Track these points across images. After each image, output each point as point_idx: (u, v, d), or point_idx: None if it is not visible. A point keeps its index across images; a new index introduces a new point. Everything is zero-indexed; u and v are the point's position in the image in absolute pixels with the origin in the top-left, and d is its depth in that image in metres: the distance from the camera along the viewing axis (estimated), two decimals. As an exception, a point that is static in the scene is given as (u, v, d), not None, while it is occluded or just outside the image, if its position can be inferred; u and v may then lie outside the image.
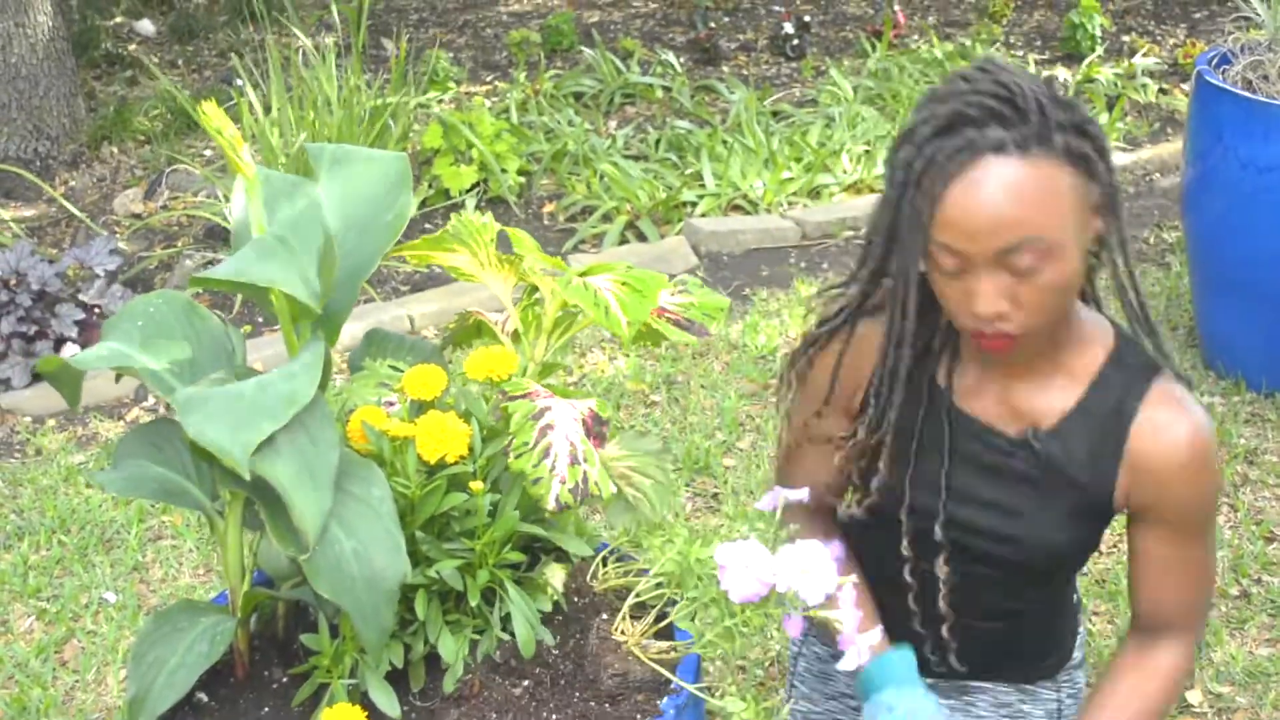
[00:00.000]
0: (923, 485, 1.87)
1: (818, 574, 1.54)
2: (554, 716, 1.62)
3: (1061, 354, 1.81)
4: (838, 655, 2.06)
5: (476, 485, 1.58)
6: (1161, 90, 6.50)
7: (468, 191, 5.46)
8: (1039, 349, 1.78)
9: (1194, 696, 2.94)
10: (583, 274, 1.74)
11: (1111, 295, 1.82)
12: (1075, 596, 2.11)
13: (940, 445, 1.86)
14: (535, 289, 1.83)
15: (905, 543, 1.89)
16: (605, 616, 1.74)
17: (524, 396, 1.63)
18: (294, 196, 1.68)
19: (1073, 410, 1.81)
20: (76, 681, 3.07)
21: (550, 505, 1.58)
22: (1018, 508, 1.84)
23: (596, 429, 1.65)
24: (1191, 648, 1.91)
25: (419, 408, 1.67)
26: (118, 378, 1.61)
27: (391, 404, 1.73)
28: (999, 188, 1.61)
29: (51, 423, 4.18)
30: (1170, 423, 1.78)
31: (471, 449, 1.62)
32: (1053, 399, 1.82)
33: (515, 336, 1.88)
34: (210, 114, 1.53)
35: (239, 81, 5.55)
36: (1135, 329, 1.82)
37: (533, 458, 1.58)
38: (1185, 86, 6.41)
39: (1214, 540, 1.90)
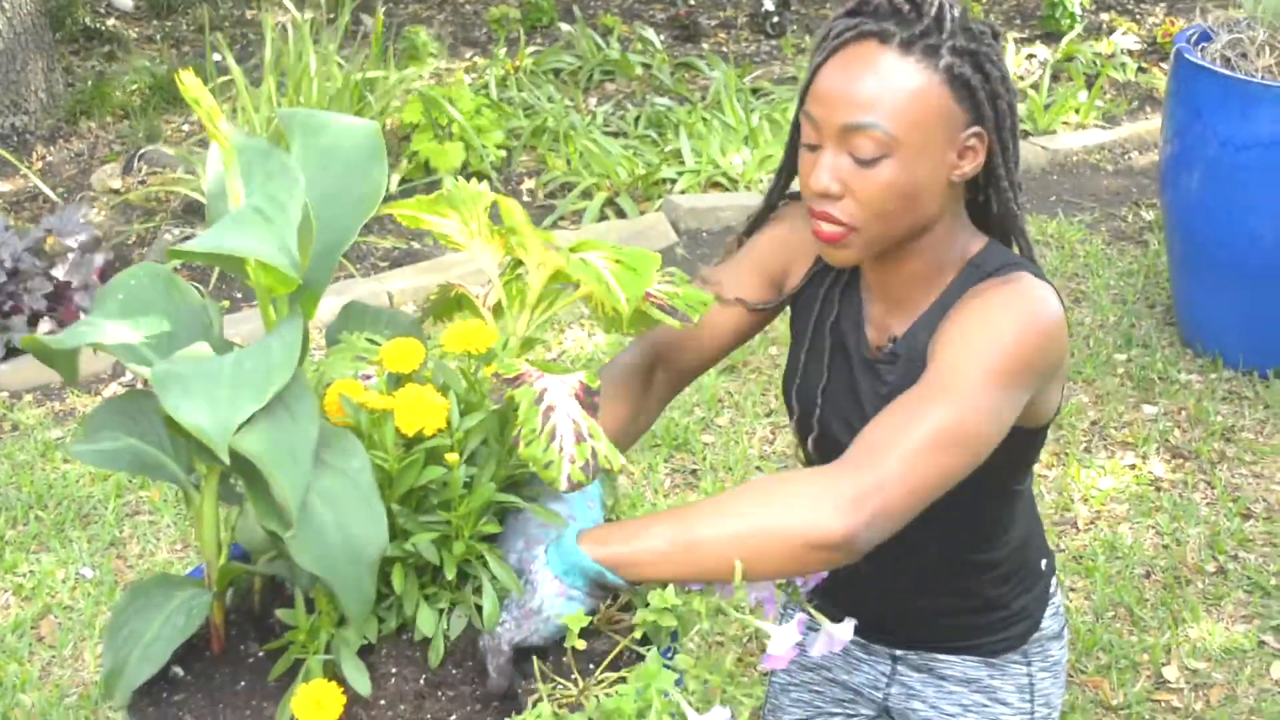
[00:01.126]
0: (804, 397, 1.92)
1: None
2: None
3: (935, 277, 1.81)
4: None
5: (452, 458, 1.58)
6: (1140, 69, 6.51)
7: (455, 174, 5.45)
8: (906, 270, 1.80)
9: (1170, 672, 2.95)
10: (574, 249, 1.73)
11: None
12: (1043, 561, 2.06)
13: (834, 317, 1.90)
14: (519, 263, 1.82)
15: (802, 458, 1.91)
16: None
17: (519, 378, 1.62)
18: (269, 167, 1.66)
19: (927, 309, 1.81)
20: (53, 657, 3.06)
21: (563, 487, 1.56)
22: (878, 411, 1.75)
23: (589, 401, 1.64)
24: (846, 490, 1.53)
25: (396, 381, 1.66)
26: (95, 350, 1.59)
27: (369, 377, 1.72)
28: (864, 68, 1.68)
29: (29, 398, 4.17)
30: (999, 282, 1.74)
31: (449, 422, 1.61)
32: (915, 306, 1.83)
33: (497, 310, 1.87)
34: (189, 84, 1.51)
35: (218, 57, 5.53)
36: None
37: (541, 442, 1.57)
38: (1164, 65, 6.42)
39: (972, 411, 1.61)
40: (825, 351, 1.92)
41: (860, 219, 1.71)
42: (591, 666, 1.59)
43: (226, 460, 1.36)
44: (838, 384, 1.92)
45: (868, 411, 1.83)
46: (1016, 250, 1.85)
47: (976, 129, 1.72)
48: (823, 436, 1.93)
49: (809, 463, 1.96)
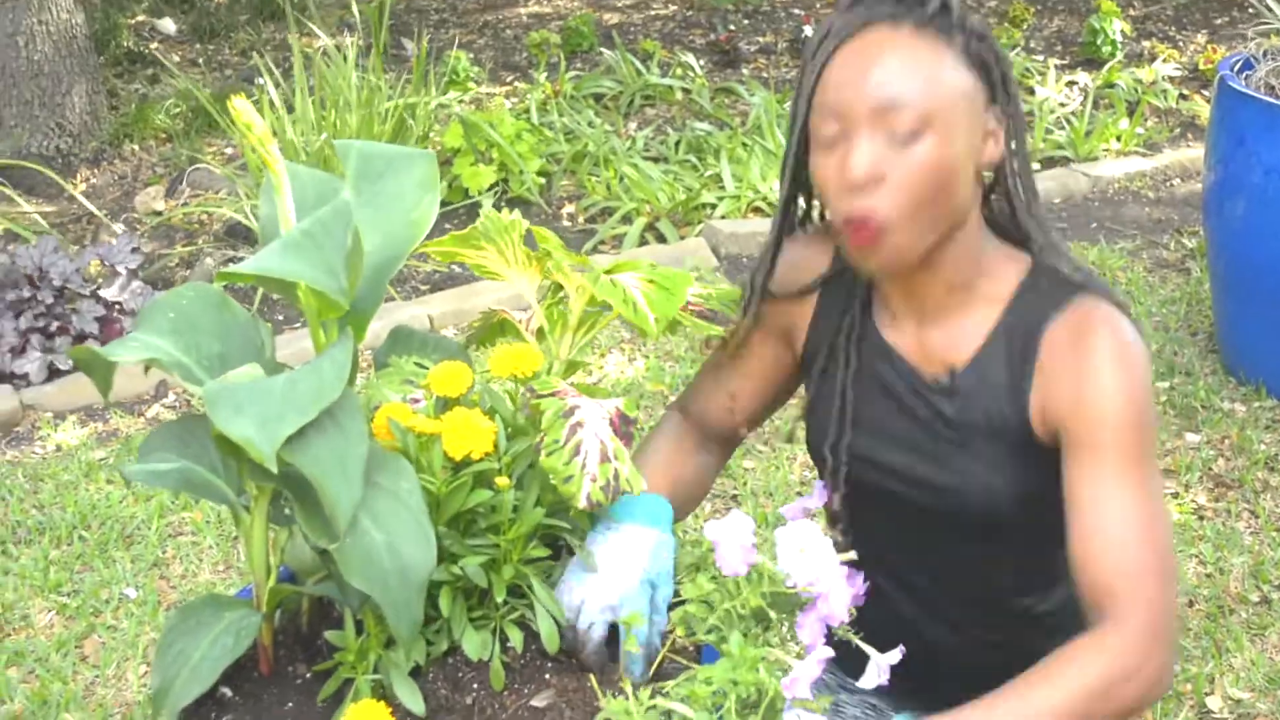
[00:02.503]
0: (827, 408, 1.85)
1: (814, 553, 1.54)
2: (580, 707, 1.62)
3: (974, 284, 1.74)
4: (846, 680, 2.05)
5: (503, 481, 1.58)
6: (1182, 95, 6.49)
7: (487, 191, 5.47)
8: (938, 281, 1.72)
9: (1214, 702, 2.93)
10: (609, 271, 1.74)
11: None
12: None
13: (855, 368, 1.82)
14: (560, 287, 1.84)
15: (824, 482, 1.86)
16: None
17: (553, 394, 1.63)
18: (322, 194, 1.68)
19: (988, 339, 1.73)
20: (96, 676, 3.08)
21: (582, 503, 1.57)
22: (934, 449, 1.77)
23: (624, 428, 1.65)
24: (1138, 635, 1.55)
25: (444, 404, 1.67)
26: (146, 369, 1.61)
27: (417, 401, 1.73)
28: (883, 49, 1.60)
29: (72, 418, 4.20)
30: (1077, 329, 1.67)
31: (496, 446, 1.62)
32: (967, 332, 1.75)
33: (539, 334, 1.88)
34: (240, 110, 1.53)
35: (260, 80, 5.56)
36: (1044, 258, 1.74)
37: (563, 455, 1.58)
38: (1205, 92, 6.40)
39: (1157, 489, 1.64)
40: (846, 375, 1.83)
41: (899, 211, 1.60)
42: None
43: (275, 469, 1.37)
44: (865, 410, 1.83)
45: (914, 437, 1.78)
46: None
47: (995, 109, 1.67)
48: (857, 482, 1.85)
49: (834, 521, 1.89)
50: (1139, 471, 1.62)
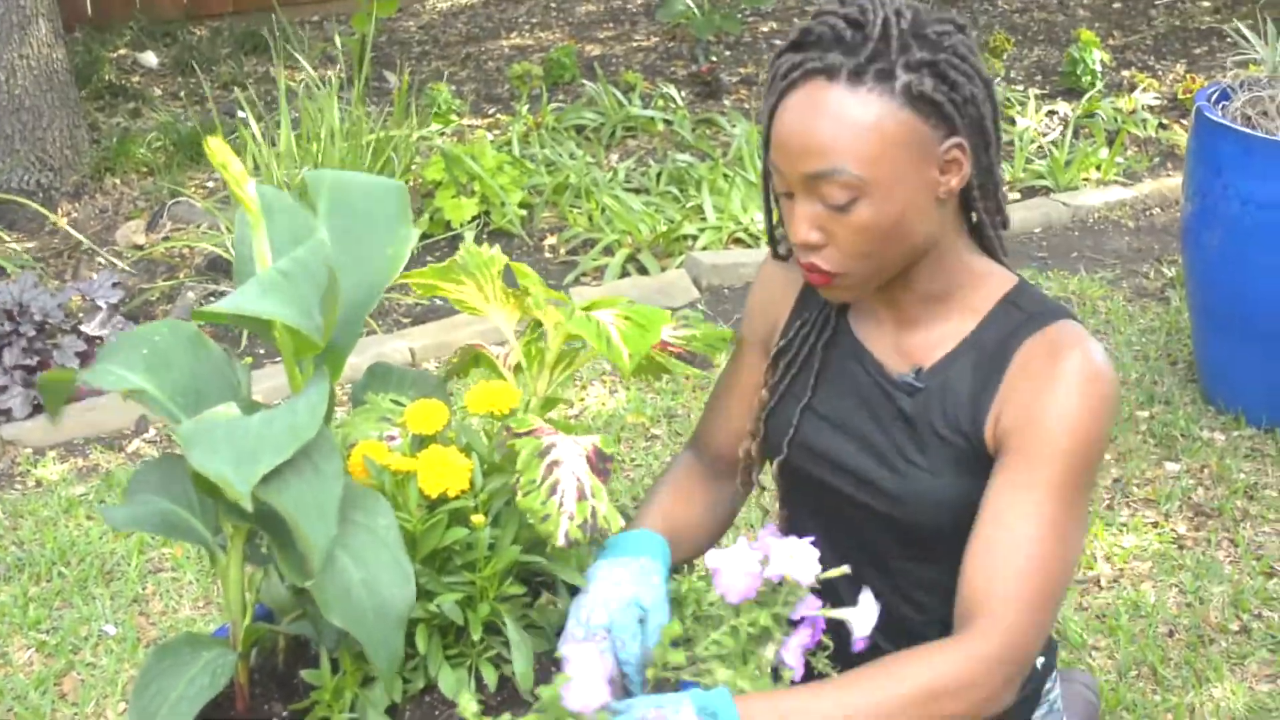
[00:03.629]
0: (780, 419, 1.88)
1: (803, 560, 1.55)
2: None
3: (952, 295, 1.76)
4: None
5: (478, 519, 1.59)
6: (1161, 125, 6.52)
7: (469, 223, 5.48)
8: (914, 288, 1.75)
9: (1194, 732, 2.94)
10: (586, 308, 1.75)
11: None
12: (1040, 660, 1.95)
13: (827, 369, 1.85)
14: (539, 324, 1.84)
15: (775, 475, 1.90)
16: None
17: (529, 433, 1.64)
18: (296, 230, 1.68)
19: (959, 345, 1.76)
20: (75, 714, 3.06)
21: (560, 542, 1.57)
22: (890, 451, 1.78)
23: (600, 465, 1.66)
24: (986, 655, 1.55)
25: (420, 442, 1.67)
26: (127, 397, 1.60)
27: (393, 438, 1.73)
28: (814, 113, 1.60)
29: (52, 454, 4.19)
30: (1053, 350, 1.68)
31: (472, 483, 1.62)
32: (942, 337, 1.77)
33: (517, 370, 1.89)
34: (216, 149, 1.53)
35: (242, 114, 5.57)
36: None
37: (540, 494, 1.58)
38: (1185, 121, 6.43)
39: (1075, 522, 1.63)
40: (813, 372, 1.86)
41: (845, 264, 1.66)
42: None
43: (250, 508, 1.37)
44: (828, 405, 1.85)
45: (871, 435, 1.80)
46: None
47: (955, 140, 1.64)
48: (795, 461, 1.88)
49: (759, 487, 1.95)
50: (1062, 499, 1.62)
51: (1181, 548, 3.58)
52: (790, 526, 1.94)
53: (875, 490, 1.80)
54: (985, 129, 1.68)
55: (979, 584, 1.60)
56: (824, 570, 1.57)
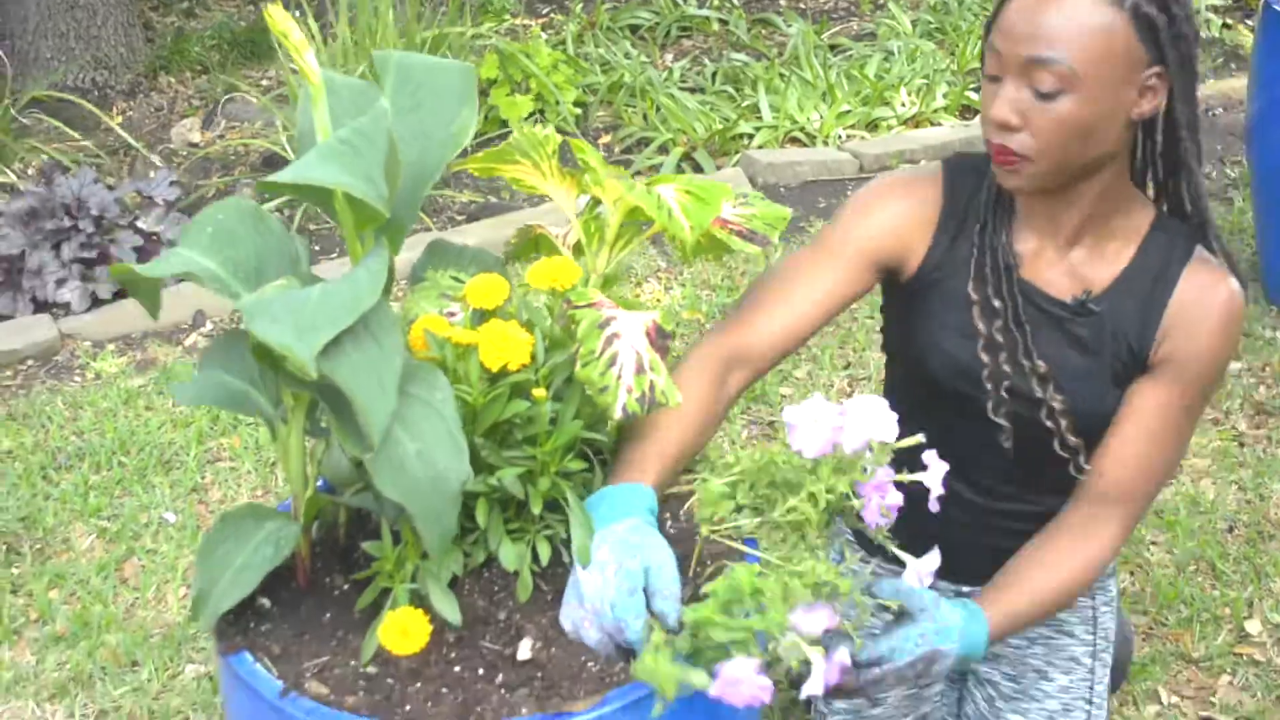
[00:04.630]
0: (990, 349, 1.91)
1: (884, 422, 1.54)
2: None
3: (1111, 219, 1.87)
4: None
5: (539, 392, 1.58)
6: (1225, 25, 6.41)
7: (524, 121, 5.46)
8: (1076, 209, 1.85)
9: (1253, 626, 2.92)
10: (649, 184, 1.73)
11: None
12: None
13: (1005, 310, 1.90)
14: (597, 202, 1.83)
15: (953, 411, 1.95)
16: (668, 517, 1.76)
17: (589, 306, 1.63)
18: (359, 104, 1.67)
19: (1123, 271, 1.87)
20: (136, 599, 3.10)
21: (617, 414, 1.57)
22: (1071, 374, 1.88)
23: (660, 341, 1.64)
24: (1128, 534, 1.89)
25: (481, 317, 1.66)
26: (182, 279, 1.60)
27: (454, 314, 1.72)
28: (1051, 4, 1.70)
29: (111, 347, 4.21)
30: (1211, 283, 1.85)
31: (534, 357, 1.61)
32: (1105, 263, 1.88)
33: (577, 249, 1.87)
34: (276, 18, 1.52)
35: (298, 13, 5.55)
36: (1190, 213, 1.91)
37: (599, 366, 1.57)
38: (1249, 22, 6.32)
39: (1195, 424, 1.91)
40: (1008, 303, 1.90)
41: (1035, 151, 1.74)
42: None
43: (314, 374, 1.36)
44: (1011, 337, 1.91)
45: (1056, 363, 1.88)
46: (1189, 206, 1.91)
47: (1158, 69, 1.74)
48: (1012, 390, 1.92)
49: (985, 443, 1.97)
50: (1193, 417, 1.88)
51: (1242, 445, 3.56)
52: (904, 418, 1.95)
53: (1051, 408, 1.90)
54: (1189, 67, 1.79)
55: (1123, 479, 1.85)
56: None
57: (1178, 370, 1.85)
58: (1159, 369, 1.86)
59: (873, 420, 1.53)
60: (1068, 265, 1.89)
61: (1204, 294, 1.84)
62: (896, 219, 1.94)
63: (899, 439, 1.57)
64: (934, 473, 1.60)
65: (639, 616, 1.48)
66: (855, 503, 1.55)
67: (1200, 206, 1.90)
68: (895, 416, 1.54)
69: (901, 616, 1.66)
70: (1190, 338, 1.84)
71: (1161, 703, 2.75)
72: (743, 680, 1.41)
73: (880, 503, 1.56)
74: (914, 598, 1.65)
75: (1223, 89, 5.85)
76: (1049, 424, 1.89)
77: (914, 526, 1.67)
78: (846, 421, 1.53)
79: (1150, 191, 1.94)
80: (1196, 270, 1.86)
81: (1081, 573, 1.83)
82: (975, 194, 1.92)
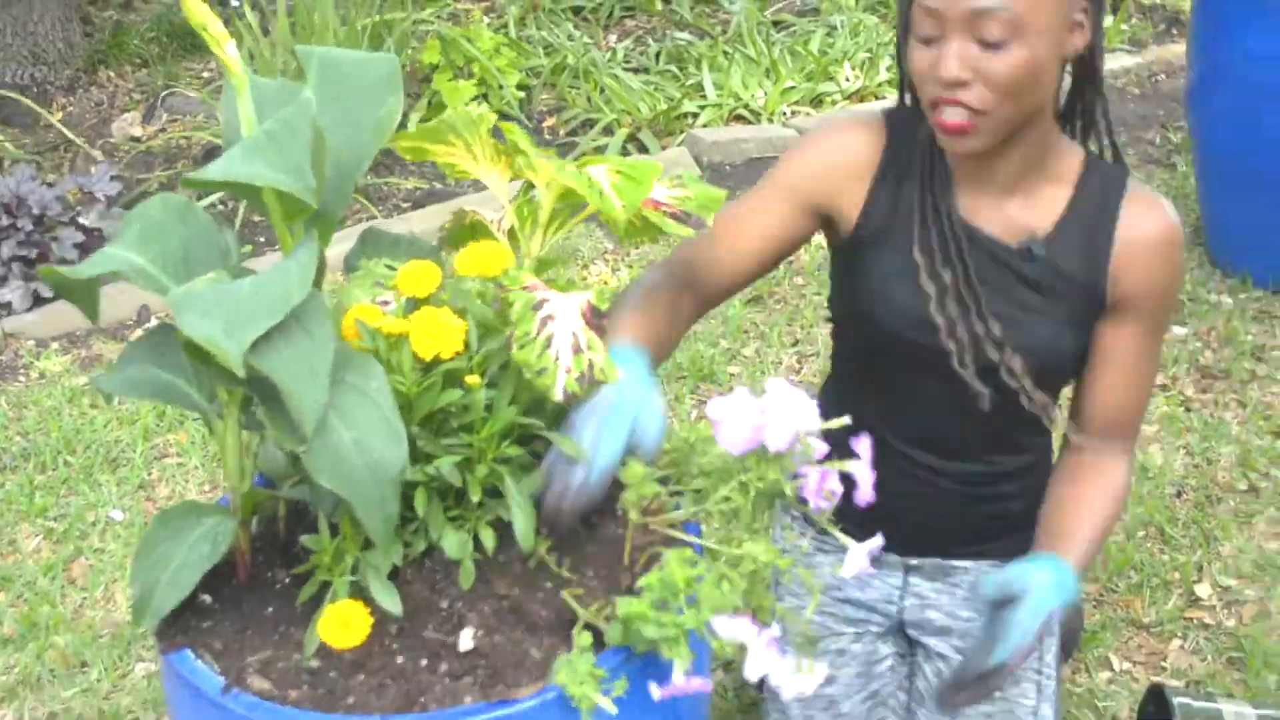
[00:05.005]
0: (942, 309, 1.90)
1: (805, 411, 1.53)
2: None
3: (1045, 162, 1.88)
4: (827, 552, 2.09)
5: (473, 380, 1.57)
6: (1166, -9, 6.44)
7: (467, 105, 5.43)
8: (1015, 156, 1.85)
9: (1202, 590, 2.94)
10: (580, 165, 1.72)
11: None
12: None
13: (950, 259, 1.90)
14: (531, 186, 1.82)
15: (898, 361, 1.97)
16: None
17: (522, 289, 1.62)
18: (283, 101, 1.65)
19: (1064, 213, 1.89)
20: (85, 599, 3.08)
21: (558, 396, 1.56)
22: (1024, 317, 1.89)
23: (596, 321, 1.64)
24: (1134, 457, 2.02)
25: (413, 305, 1.65)
26: (106, 278, 1.59)
27: (387, 303, 1.71)
28: None
29: (55, 346, 4.18)
30: (1150, 211, 1.89)
31: (468, 345, 1.60)
32: (1044, 207, 1.90)
33: (511, 234, 1.86)
34: (194, 9, 1.50)
35: (236, 2, 5.51)
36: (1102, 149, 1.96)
37: (536, 348, 1.56)
38: (1190, -14, 6.35)
39: (1161, 343, 2.00)
40: (953, 250, 1.91)
41: (992, 103, 1.74)
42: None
43: (241, 373, 1.35)
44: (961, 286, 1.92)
45: (1013, 309, 1.89)
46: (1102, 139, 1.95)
47: (1084, 3, 1.76)
48: (900, 331, 1.94)
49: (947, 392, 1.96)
50: (1159, 338, 1.96)
51: (1189, 409, 3.58)
52: (854, 389, 2.07)
53: (1009, 352, 1.90)
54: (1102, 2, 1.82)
55: (1118, 418, 1.96)
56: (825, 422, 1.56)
57: (1137, 307, 1.90)
58: (1119, 309, 1.90)
59: (793, 411, 1.53)
60: (1005, 216, 1.89)
61: (1148, 225, 1.88)
62: (832, 160, 1.96)
63: (841, 414, 1.57)
64: (864, 464, 1.58)
65: (618, 441, 1.58)
66: (788, 487, 1.54)
67: (1113, 138, 1.95)
68: (814, 408, 1.54)
69: (1005, 602, 1.74)
70: (1144, 273, 1.88)
71: (1113, 669, 2.76)
72: None
73: (821, 484, 1.55)
74: (1014, 583, 1.74)
75: (1164, 55, 5.87)
76: (1011, 382, 1.90)
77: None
78: (767, 418, 1.52)
79: (1073, 131, 1.95)
80: (1134, 201, 1.89)
81: (1115, 504, 1.93)
82: (914, 148, 1.92)
